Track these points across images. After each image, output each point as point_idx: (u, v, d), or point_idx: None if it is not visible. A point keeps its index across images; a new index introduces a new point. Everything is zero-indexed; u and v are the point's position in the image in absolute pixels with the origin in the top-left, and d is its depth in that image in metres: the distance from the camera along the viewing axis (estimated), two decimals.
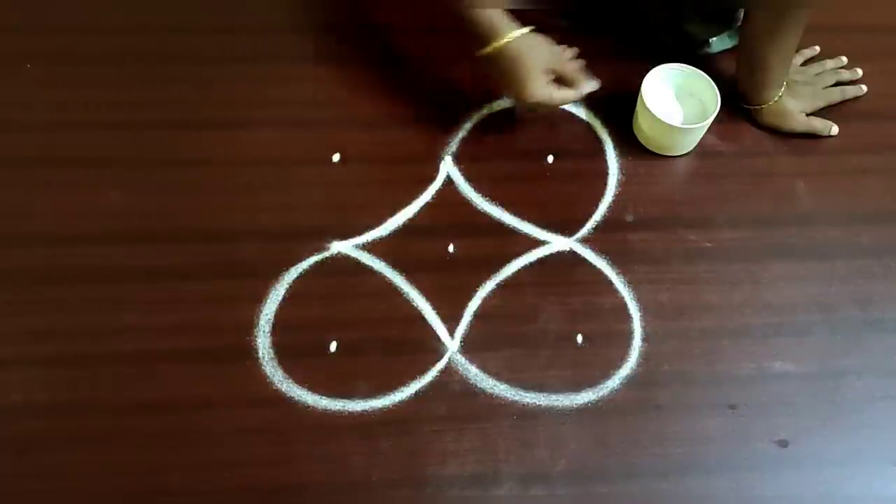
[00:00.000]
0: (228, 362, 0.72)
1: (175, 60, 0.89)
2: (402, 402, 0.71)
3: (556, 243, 0.80)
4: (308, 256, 0.78)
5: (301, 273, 0.77)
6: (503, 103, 0.88)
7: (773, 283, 0.79)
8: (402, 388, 0.72)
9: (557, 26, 0.93)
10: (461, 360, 0.74)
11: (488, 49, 0.75)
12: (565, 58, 0.80)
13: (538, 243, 0.80)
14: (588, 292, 0.77)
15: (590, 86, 0.80)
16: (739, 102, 0.87)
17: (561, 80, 0.79)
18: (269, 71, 0.89)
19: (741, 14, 0.88)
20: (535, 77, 0.76)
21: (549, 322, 0.76)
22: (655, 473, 0.69)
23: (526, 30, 0.75)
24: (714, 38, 0.90)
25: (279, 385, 0.72)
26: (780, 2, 0.75)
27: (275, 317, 0.75)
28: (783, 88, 0.84)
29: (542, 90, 0.77)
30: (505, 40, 0.74)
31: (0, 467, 0.68)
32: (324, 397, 0.71)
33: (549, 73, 0.77)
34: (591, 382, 0.73)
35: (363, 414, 0.71)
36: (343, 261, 0.78)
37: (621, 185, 0.84)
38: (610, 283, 0.78)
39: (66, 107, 0.86)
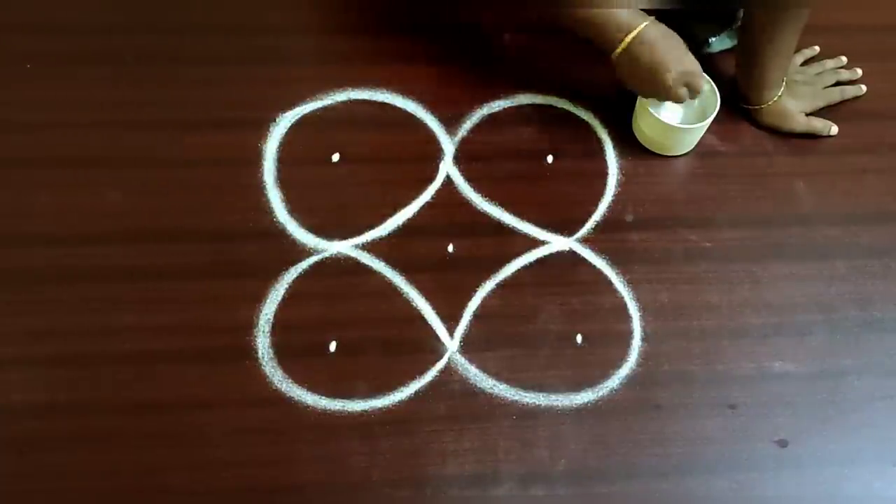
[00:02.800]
0: (228, 362, 0.72)
1: (174, 60, 0.89)
2: (401, 402, 0.71)
3: (556, 243, 0.80)
4: (308, 256, 0.78)
5: (301, 273, 0.77)
6: (503, 103, 0.88)
7: (773, 283, 0.79)
8: (402, 388, 0.72)
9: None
10: (461, 360, 0.74)
11: (624, 44, 0.74)
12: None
13: (538, 243, 0.80)
14: (588, 292, 0.77)
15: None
16: (739, 103, 0.87)
17: None
18: (268, 71, 0.89)
19: (742, 13, 0.88)
20: (683, 51, 0.75)
21: (548, 322, 0.76)
22: (655, 473, 0.69)
23: (651, 17, 0.74)
24: (714, 38, 0.90)
25: (279, 385, 0.72)
26: (779, 1, 0.75)
27: (274, 317, 0.75)
28: (783, 88, 0.84)
29: (694, 61, 0.75)
30: (639, 29, 0.73)
31: (0, 467, 0.68)
32: (323, 397, 0.71)
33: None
34: (591, 382, 0.73)
35: (363, 414, 0.71)
36: (342, 261, 0.78)
37: (621, 185, 0.84)
38: (610, 283, 0.78)
39: (66, 107, 0.86)
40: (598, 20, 0.73)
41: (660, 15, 0.76)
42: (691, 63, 0.75)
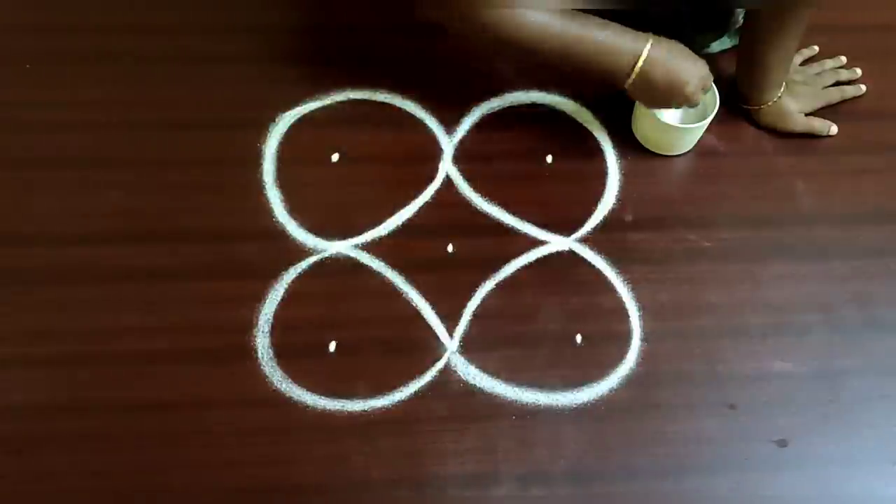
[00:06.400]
0: (228, 362, 0.72)
1: (174, 61, 0.89)
2: (401, 402, 0.71)
3: (556, 243, 0.80)
4: (307, 256, 0.78)
5: (300, 273, 0.77)
6: (503, 103, 0.88)
7: (772, 283, 0.79)
8: (402, 388, 0.72)
9: None
10: (460, 360, 0.74)
11: (637, 70, 0.72)
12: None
13: (537, 243, 0.80)
14: (587, 292, 0.77)
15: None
16: (739, 103, 0.87)
17: None
18: (267, 71, 0.89)
19: (737, 18, 0.87)
20: (692, 59, 0.74)
21: (548, 322, 0.76)
22: (655, 473, 0.69)
23: (650, 36, 0.73)
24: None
25: (278, 385, 0.72)
26: (784, 1, 0.75)
27: (274, 317, 0.75)
28: (782, 88, 0.84)
29: (703, 64, 0.75)
30: (647, 50, 0.71)
31: (0, 467, 0.68)
32: (323, 397, 0.71)
33: None
34: (591, 382, 0.73)
35: (363, 414, 0.71)
36: (342, 261, 0.78)
37: (621, 185, 0.84)
38: (609, 282, 0.78)
39: (66, 107, 0.86)
40: (602, 55, 0.71)
41: (657, 26, 0.75)
42: (703, 67, 0.76)
